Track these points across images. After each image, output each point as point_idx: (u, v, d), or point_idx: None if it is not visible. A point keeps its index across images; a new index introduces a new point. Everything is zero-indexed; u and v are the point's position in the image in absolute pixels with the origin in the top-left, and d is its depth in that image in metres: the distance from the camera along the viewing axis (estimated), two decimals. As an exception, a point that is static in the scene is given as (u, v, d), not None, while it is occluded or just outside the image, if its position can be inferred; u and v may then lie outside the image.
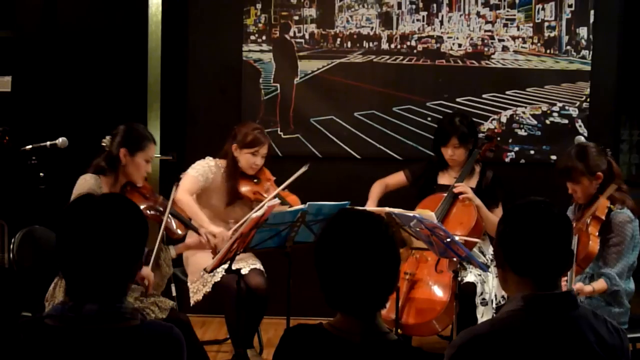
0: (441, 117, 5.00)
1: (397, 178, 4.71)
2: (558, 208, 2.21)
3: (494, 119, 5.39)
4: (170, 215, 3.88)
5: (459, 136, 4.46)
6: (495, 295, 4.19)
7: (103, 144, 3.87)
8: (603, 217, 3.69)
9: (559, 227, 2.14)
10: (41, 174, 4.40)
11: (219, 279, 4.23)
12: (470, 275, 4.17)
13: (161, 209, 3.91)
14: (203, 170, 4.37)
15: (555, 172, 3.92)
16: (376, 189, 4.65)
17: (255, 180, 4.43)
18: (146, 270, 3.66)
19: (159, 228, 3.82)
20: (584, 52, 5.33)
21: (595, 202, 3.75)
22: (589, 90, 5.33)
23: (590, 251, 3.65)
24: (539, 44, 5.35)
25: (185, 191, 4.24)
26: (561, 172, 3.85)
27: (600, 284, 3.68)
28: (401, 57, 5.41)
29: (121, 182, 3.86)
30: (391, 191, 4.73)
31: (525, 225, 2.13)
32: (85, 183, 3.73)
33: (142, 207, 3.32)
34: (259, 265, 4.34)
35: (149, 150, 3.87)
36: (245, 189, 4.40)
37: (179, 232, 4.00)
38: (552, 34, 5.35)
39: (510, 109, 5.40)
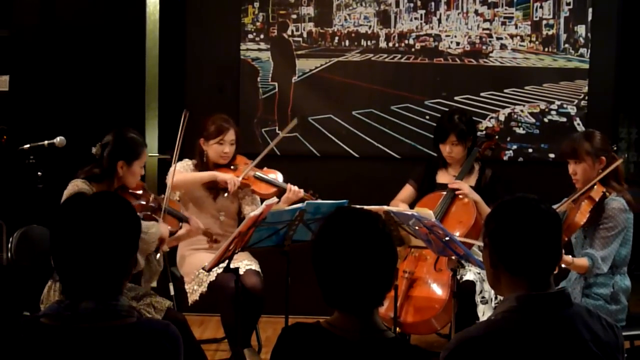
0: (439, 115, 4.99)
1: (406, 192, 4.66)
2: (546, 204, 2.17)
3: (492, 117, 5.39)
4: (164, 213, 3.92)
5: (457, 133, 4.45)
6: (495, 294, 4.19)
7: (93, 152, 3.82)
8: (596, 199, 3.70)
9: (550, 223, 2.12)
10: (39, 173, 4.41)
11: (214, 278, 4.23)
12: (470, 274, 4.16)
13: (153, 205, 3.93)
14: (183, 167, 4.45)
15: (560, 152, 3.96)
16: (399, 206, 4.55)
17: (232, 167, 4.48)
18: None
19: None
20: (582, 50, 5.32)
21: (592, 187, 3.77)
22: (587, 88, 5.32)
23: (575, 221, 3.68)
24: (537, 42, 5.35)
25: (177, 175, 4.27)
26: (566, 150, 3.88)
27: (581, 261, 3.67)
28: (399, 56, 5.41)
29: (114, 187, 3.82)
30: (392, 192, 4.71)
31: (517, 223, 2.10)
32: (77, 189, 3.66)
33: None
34: (254, 266, 4.34)
35: (144, 156, 3.87)
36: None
37: (173, 227, 4.01)
38: (550, 32, 5.34)
39: (508, 107, 5.39)
